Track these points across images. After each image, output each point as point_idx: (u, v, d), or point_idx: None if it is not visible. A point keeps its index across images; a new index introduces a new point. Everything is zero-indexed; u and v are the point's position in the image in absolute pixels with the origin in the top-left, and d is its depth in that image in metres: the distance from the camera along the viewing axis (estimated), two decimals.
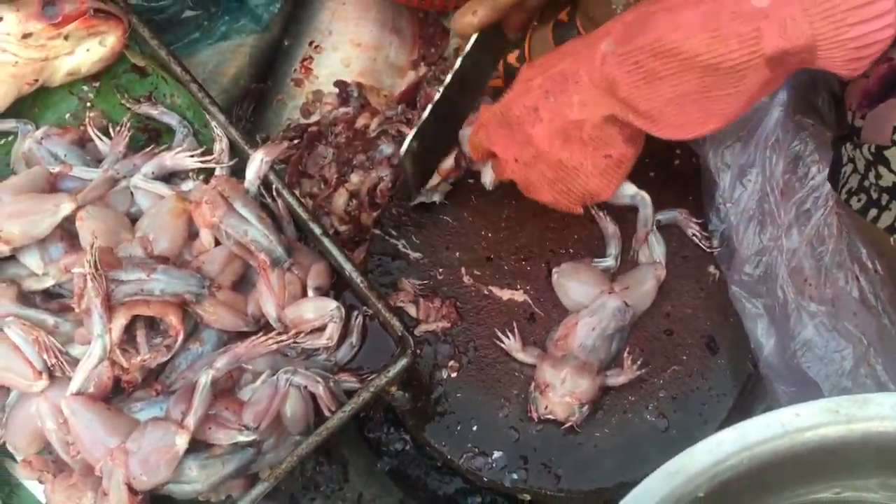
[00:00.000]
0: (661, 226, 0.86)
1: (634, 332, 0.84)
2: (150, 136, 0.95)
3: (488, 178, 0.86)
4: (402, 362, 0.79)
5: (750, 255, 0.82)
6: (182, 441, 0.72)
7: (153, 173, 0.88)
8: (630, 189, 0.84)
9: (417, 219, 0.91)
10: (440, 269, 0.89)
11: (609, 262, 0.85)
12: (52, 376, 0.78)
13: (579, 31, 0.90)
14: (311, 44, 1.14)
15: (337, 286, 0.87)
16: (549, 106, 0.74)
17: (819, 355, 0.79)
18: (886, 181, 0.76)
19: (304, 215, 0.85)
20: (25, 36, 0.87)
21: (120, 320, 0.77)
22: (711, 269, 0.86)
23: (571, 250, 0.88)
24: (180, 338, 0.80)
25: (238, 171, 0.89)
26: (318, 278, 0.84)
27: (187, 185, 0.89)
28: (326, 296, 0.84)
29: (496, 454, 0.81)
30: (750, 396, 0.84)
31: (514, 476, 0.81)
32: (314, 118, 1.09)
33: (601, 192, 0.79)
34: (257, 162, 0.86)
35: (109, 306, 0.76)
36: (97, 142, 0.92)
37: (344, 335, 0.83)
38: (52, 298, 0.83)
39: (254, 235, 0.81)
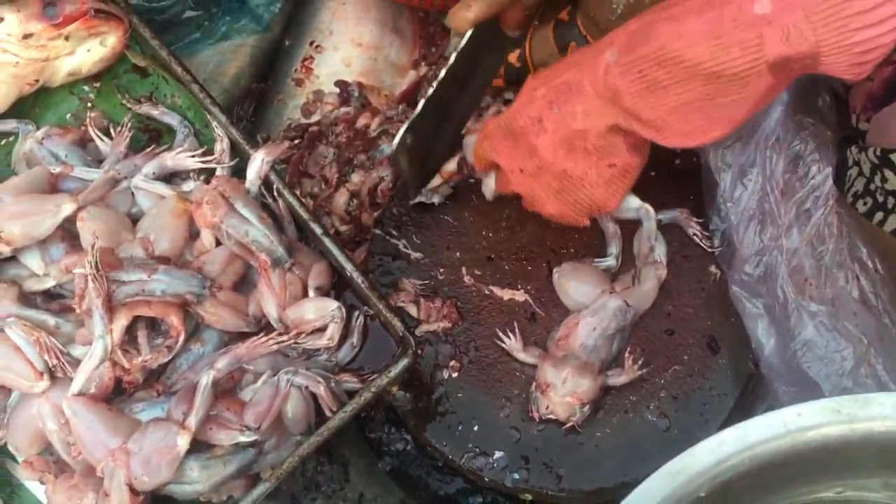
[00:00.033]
0: (662, 225, 0.86)
1: (635, 331, 0.84)
2: (151, 136, 0.95)
3: (489, 189, 0.86)
4: (404, 362, 0.79)
5: (750, 255, 0.82)
6: (183, 442, 0.72)
7: (154, 174, 0.88)
8: (634, 202, 0.84)
9: (418, 219, 0.91)
10: (441, 269, 0.89)
11: (610, 261, 0.85)
12: (53, 377, 0.78)
13: (580, 31, 0.90)
14: (311, 44, 1.14)
15: (338, 286, 0.87)
16: (553, 116, 0.74)
17: (819, 355, 0.79)
18: (893, 184, 0.76)
19: (305, 215, 0.85)
20: (26, 36, 0.87)
21: (121, 321, 0.77)
22: (712, 268, 0.86)
23: (572, 250, 0.88)
24: (181, 338, 0.80)
25: (239, 172, 0.89)
26: (318, 278, 0.84)
27: (188, 186, 0.89)
28: (327, 296, 0.84)
29: (497, 454, 0.82)
30: (751, 396, 0.84)
31: (516, 476, 0.81)
32: (315, 118, 1.09)
33: (607, 203, 0.79)
34: (258, 162, 0.86)
35: (110, 307, 0.76)
36: (98, 142, 0.92)
37: (345, 335, 0.83)
38: (54, 299, 0.83)
39: (255, 236, 0.81)
